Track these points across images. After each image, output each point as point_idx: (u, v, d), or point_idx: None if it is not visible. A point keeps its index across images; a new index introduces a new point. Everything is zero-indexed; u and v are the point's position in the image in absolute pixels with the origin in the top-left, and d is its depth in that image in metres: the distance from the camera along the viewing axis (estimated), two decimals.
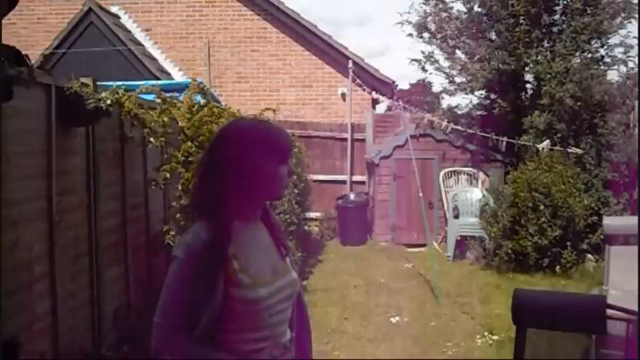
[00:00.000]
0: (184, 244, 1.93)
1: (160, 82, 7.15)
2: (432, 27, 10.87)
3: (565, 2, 10.44)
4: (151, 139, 5.27)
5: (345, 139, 11.76)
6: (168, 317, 1.88)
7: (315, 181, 10.48)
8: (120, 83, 5.10)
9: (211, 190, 1.95)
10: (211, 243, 1.87)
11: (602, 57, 10.43)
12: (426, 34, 10.90)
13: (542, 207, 8.64)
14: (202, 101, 5.79)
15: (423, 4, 10.93)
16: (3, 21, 2.85)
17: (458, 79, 10.82)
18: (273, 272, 2.01)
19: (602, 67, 10.28)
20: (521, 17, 10.03)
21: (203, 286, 1.86)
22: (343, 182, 11.69)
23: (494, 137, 10.14)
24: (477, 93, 10.99)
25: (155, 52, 12.24)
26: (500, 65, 10.12)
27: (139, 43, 11.85)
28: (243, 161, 1.92)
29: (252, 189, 1.96)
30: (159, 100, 5.44)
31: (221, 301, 1.86)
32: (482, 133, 10.29)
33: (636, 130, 9.07)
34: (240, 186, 1.93)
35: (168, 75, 11.64)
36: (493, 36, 10.72)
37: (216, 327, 1.88)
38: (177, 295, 1.89)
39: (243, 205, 1.97)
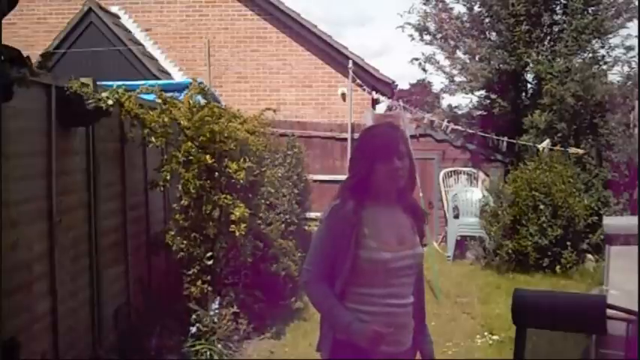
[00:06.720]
0: (328, 211, 2.49)
1: (160, 82, 7.14)
2: (432, 27, 10.87)
3: (566, 2, 10.44)
4: (152, 139, 5.26)
5: (345, 139, 11.73)
6: (314, 266, 2.47)
7: (315, 181, 10.45)
8: (120, 83, 5.10)
9: (349, 178, 2.52)
10: (346, 209, 2.41)
11: (603, 57, 10.43)
12: (427, 37, 10.90)
13: (542, 207, 8.63)
14: (203, 101, 5.77)
15: (423, 4, 10.94)
16: (3, 21, 2.84)
17: (458, 79, 10.83)
18: (399, 242, 2.45)
19: (603, 67, 10.28)
20: (522, 17, 10.03)
21: (338, 243, 2.38)
22: None
23: (494, 137, 10.14)
24: (477, 93, 10.99)
25: (155, 52, 12.21)
26: (501, 65, 10.12)
27: (139, 43, 11.83)
28: (362, 157, 2.50)
29: (372, 178, 2.45)
30: (159, 100, 5.43)
31: (352, 259, 2.36)
32: (482, 133, 10.29)
33: (636, 130, 9.08)
34: (365, 175, 2.46)
35: (168, 75, 11.62)
36: (493, 36, 10.71)
37: (347, 281, 2.39)
38: (319, 248, 2.49)
39: (373, 189, 2.47)
